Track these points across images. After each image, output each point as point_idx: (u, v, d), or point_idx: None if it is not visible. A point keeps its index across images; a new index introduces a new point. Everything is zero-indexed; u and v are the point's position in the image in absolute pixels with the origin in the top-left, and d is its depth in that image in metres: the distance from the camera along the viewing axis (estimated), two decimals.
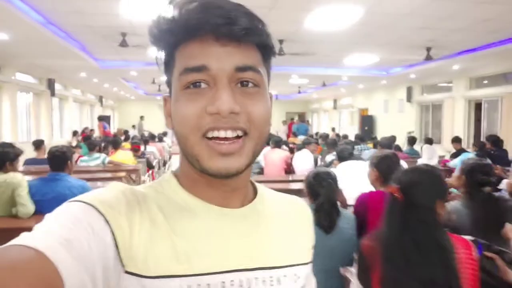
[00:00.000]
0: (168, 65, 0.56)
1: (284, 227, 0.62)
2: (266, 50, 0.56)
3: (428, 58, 7.12)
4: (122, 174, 5.17)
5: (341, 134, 11.25)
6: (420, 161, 6.45)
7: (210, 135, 0.51)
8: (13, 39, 6.08)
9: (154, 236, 0.50)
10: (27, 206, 2.65)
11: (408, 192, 1.27)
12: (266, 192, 0.66)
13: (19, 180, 2.69)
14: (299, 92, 16.01)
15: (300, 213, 0.68)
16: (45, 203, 2.67)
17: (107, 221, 0.47)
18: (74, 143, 9.03)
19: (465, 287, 1.22)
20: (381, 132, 12.23)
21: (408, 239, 1.25)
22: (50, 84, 9.98)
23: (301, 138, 9.45)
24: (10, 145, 2.84)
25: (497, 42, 6.55)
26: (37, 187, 2.77)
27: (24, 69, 8.87)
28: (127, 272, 0.48)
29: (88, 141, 6.42)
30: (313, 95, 17.65)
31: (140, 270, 0.48)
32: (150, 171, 7.18)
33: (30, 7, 5.04)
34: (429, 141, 7.51)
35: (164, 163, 10.11)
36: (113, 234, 0.47)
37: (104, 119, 13.01)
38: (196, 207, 0.56)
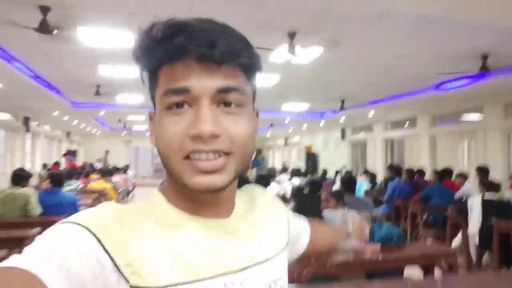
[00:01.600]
0: (152, 83, 0.57)
1: (262, 219, 0.67)
2: (250, 69, 0.57)
3: (342, 107, 9.10)
4: (94, 196, 6.56)
5: (290, 168, 13.13)
6: (334, 187, 8.26)
7: (191, 156, 0.52)
8: (5, 88, 7.48)
9: (150, 250, 0.51)
10: (36, 209, 4.08)
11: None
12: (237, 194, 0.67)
13: (31, 192, 4.13)
14: None
15: (266, 199, 0.73)
16: (49, 207, 4.12)
17: (99, 241, 0.47)
18: (43, 174, 10.26)
19: None
20: (322, 166, 14.11)
21: None
22: (26, 121, 11.22)
23: (254, 170, 11.22)
24: (23, 170, 4.30)
25: (393, 96, 8.59)
26: (42, 197, 4.22)
27: (4, 109, 10.13)
28: (132, 287, 0.48)
29: (66, 171, 7.82)
30: (267, 134, 19.55)
31: (145, 282, 0.49)
32: (116, 197, 8.52)
33: (24, 65, 6.52)
34: (346, 174, 9.39)
35: (128, 193, 11.39)
36: (108, 253, 0.47)
37: (69, 153, 14.35)
38: (184, 220, 0.57)
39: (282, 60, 5.54)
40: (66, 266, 0.43)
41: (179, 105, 0.53)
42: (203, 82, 0.52)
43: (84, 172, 9.72)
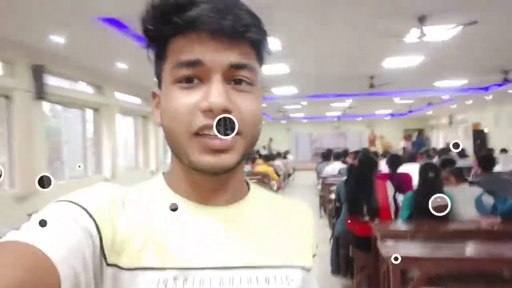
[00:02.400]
0: (159, 57, 0.55)
1: (277, 227, 0.61)
2: (261, 48, 0.55)
3: (506, 79, 8.21)
4: (258, 177, 7.89)
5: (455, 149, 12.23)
6: (496, 168, 7.62)
7: (201, 133, 0.50)
8: None
9: (134, 231, 0.51)
10: None
11: (362, 162, 3.46)
12: (262, 193, 0.65)
13: None
14: (410, 111, 17.15)
15: (300, 216, 0.67)
16: None
17: (92, 218, 0.48)
18: None
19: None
20: (493, 146, 12.65)
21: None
22: None
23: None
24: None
25: None
26: None
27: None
28: (108, 264, 0.49)
29: None
30: (428, 112, 18.37)
31: (119, 262, 0.49)
32: (278, 178, 9.84)
33: None
34: (504, 151, 8.53)
35: (289, 175, 12.72)
36: (98, 228, 0.48)
37: None
38: (177, 205, 0.55)
39: (419, 40, 5.61)
40: (63, 237, 0.43)
41: (188, 79, 0.51)
42: (217, 56, 0.50)
43: (252, 157, 11.42)
